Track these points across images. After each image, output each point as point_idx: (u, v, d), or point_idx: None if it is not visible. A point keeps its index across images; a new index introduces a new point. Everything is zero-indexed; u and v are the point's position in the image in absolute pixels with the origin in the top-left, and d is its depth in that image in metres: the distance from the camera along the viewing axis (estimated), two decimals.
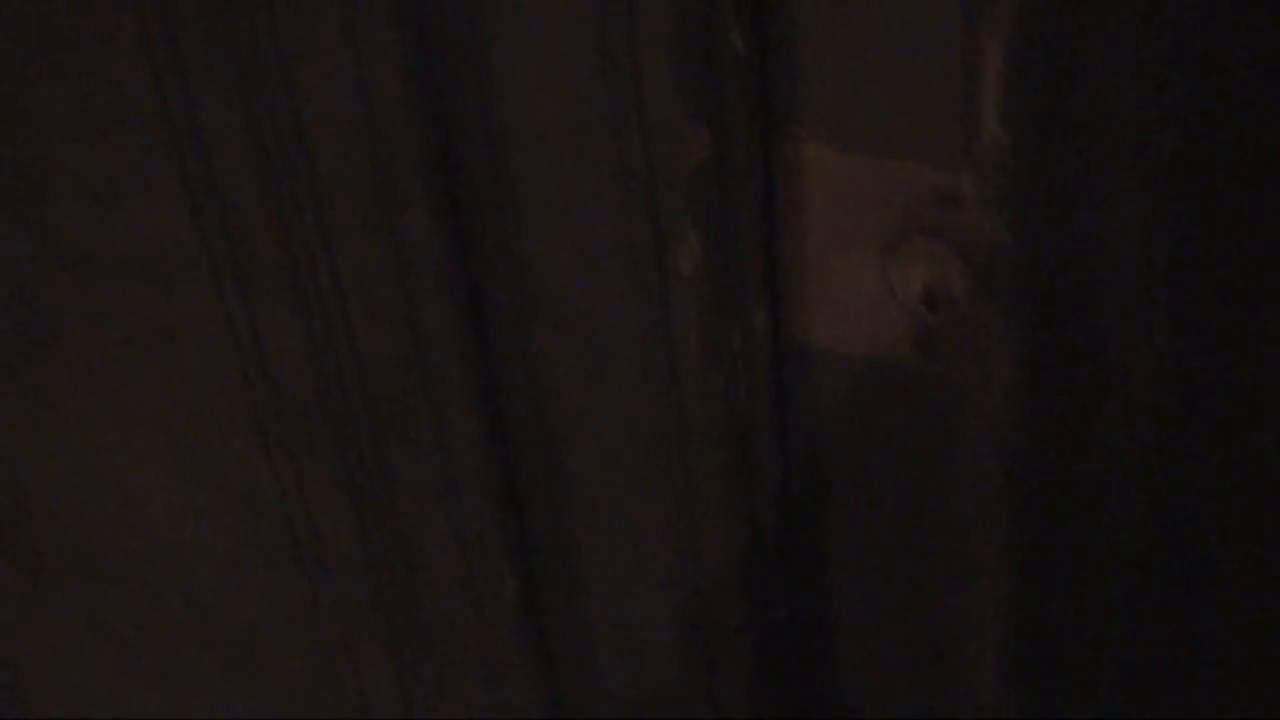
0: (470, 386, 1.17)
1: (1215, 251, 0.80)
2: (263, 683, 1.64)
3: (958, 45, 0.81)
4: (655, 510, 1.11)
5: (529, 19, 0.97)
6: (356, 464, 1.34)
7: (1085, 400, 0.89)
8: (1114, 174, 0.79)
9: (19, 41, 1.28)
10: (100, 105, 1.26)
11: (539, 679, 1.32)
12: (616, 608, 1.22)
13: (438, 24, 1.02)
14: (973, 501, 0.95)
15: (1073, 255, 0.84)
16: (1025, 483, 0.92)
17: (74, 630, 1.82)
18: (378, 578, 1.39)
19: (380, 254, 1.13)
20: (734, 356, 1.00)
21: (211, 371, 1.36)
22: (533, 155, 1.03)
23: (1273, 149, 0.75)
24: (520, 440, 1.18)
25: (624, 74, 0.93)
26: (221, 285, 1.28)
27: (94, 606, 1.77)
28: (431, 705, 1.46)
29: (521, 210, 1.07)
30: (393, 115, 1.06)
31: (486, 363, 1.16)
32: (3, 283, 1.50)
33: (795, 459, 1.04)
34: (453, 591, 1.33)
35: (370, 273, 1.15)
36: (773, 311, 0.99)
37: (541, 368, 1.12)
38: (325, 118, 1.10)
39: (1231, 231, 0.79)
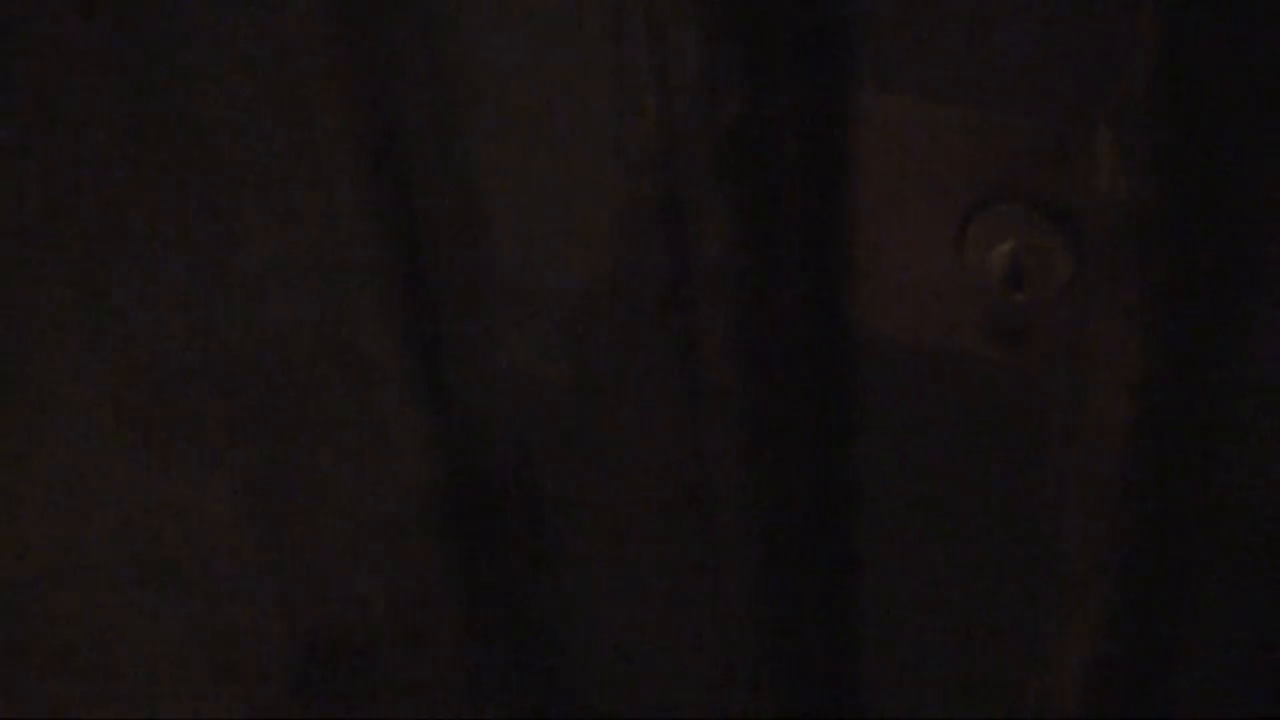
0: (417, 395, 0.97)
1: None
2: None
3: None
4: (668, 541, 0.93)
5: None
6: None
7: (1222, 411, 0.73)
8: None
9: None
10: None
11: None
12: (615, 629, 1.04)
13: None
14: (1071, 533, 0.79)
15: (1225, 229, 0.68)
16: (1136, 509, 0.76)
17: None
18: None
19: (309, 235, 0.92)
20: (767, 354, 0.82)
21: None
22: (495, 106, 0.83)
23: None
24: (501, 458, 0.98)
25: None
26: None
27: None
28: None
29: (484, 185, 0.87)
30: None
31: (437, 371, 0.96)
32: None
33: (843, 474, 0.87)
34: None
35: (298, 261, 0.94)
36: (819, 296, 0.81)
37: (524, 385, 0.92)
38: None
39: None
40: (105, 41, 0.89)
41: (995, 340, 0.79)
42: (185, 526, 1.17)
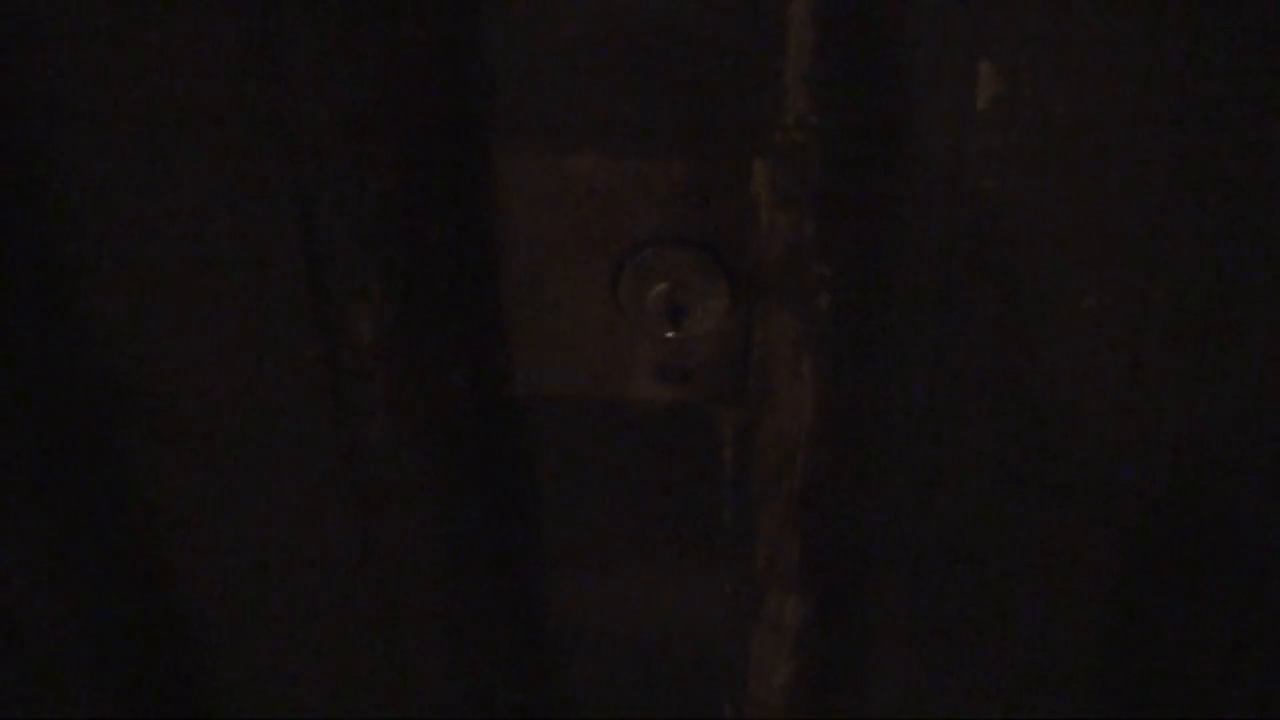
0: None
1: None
2: None
3: (726, 11, 0.64)
4: (351, 627, 0.87)
5: None
6: None
7: (886, 429, 0.77)
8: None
9: None
10: None
11: None
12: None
13: None
14: (758, 558, 0.81)
15: (879, 257, 0.71)
16: (817, 527, 0.79)
17: None
18: None
19: None
20: (433, 426, 0.79)
21: None
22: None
23: None
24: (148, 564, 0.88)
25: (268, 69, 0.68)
26: None
27: None
28: None
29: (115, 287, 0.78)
30: None
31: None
32: None
33: (519, 529, 0.84)
34: None
35: None
36: (483, 362, 0.78)
37: (164, 497, 0.83)
38: None
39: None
40: None
41: (663, 381, 0.80)
42: None
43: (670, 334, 0.77)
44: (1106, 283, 0.70)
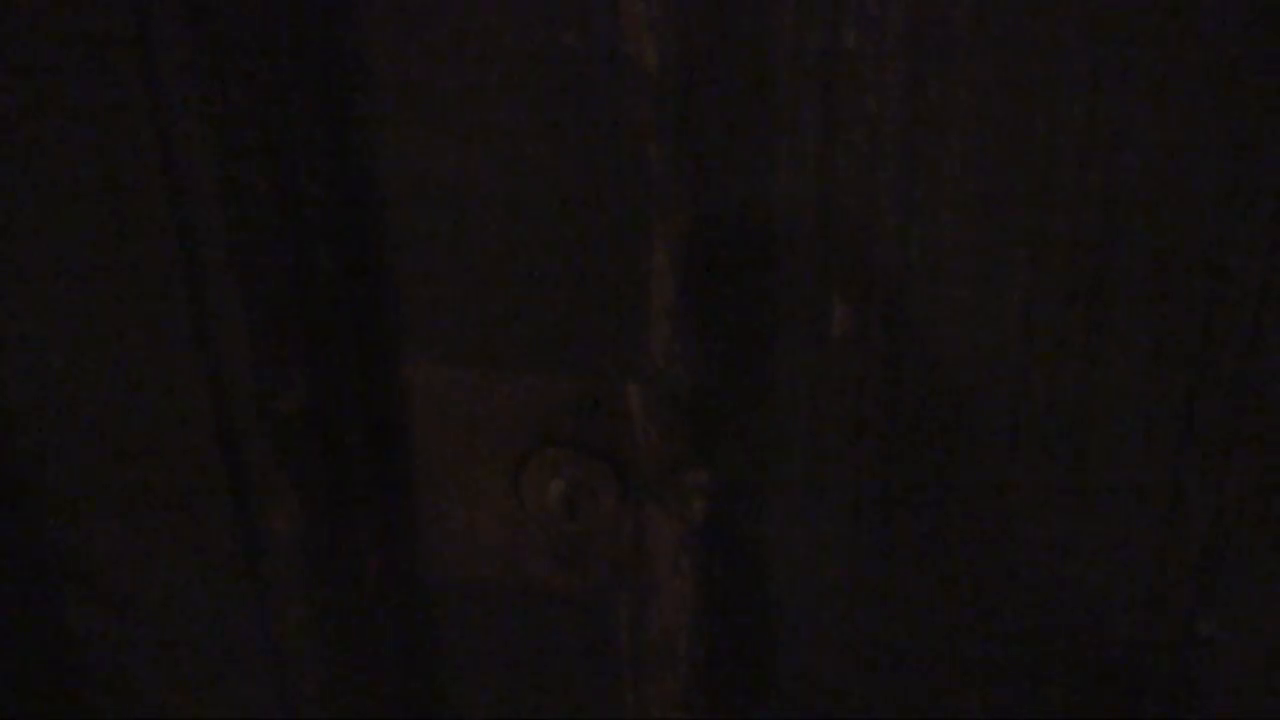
0: None
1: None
2: None
3: (604, 255, 0.72)
4: None
5: None
6: None
7: (774, 605, 0.83)
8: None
9: None
10: None
11: None
12: None
13: None
14: None
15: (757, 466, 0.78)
16: (708, 709, 0.85)
17: None
18: None
19: None
20: (348, 617, 0.85)
21: None
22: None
23: None
24: None
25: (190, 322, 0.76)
26: None
27: None
28: None
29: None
30: None
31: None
32: None
33: (431, 706, 0.90)
34: None
35: None
36: (393, 552, 0.85)
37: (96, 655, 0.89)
38: None
39: None
40: None
41: (558, 569, 0.86)
42: None
43: (567, 526, 0.84)
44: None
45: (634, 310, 0.71)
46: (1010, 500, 0.76)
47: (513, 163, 0.71)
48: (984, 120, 0.65)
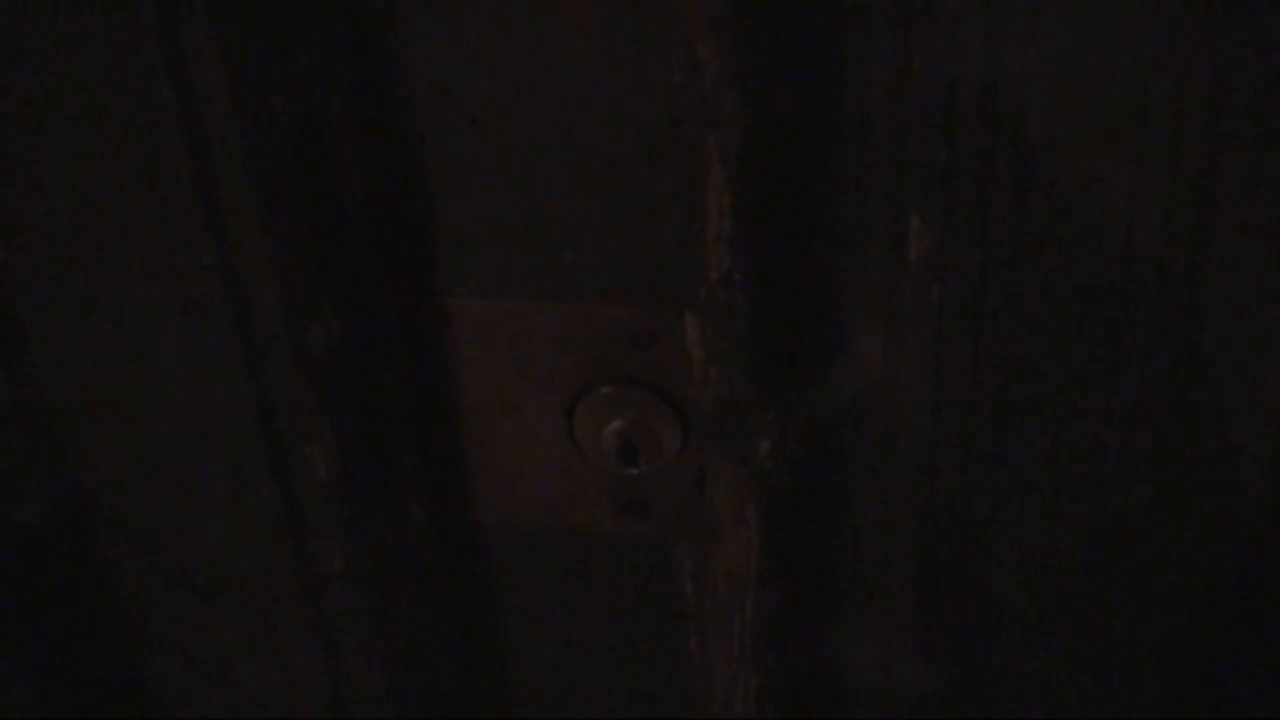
0: None
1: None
2: None
3: (660, 174, 0.66)
4: None
5: None
6: None
7: (835, 569, 0.77)
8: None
9: None
10: None
11: None
12: None
13: None
14: (716, 684, 0.81)
15: (812, 405, 0.71)
16: (771, 658, 0.79)
17: None
18: None
19: None
20: (392, 563, 0.80)
21: None
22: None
23: None
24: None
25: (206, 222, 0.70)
26: None
27: None
28: None
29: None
30: None
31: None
32: None
33: (490, 664, 0.85)
34: None
35: None
36: (439, 497, 0.80)
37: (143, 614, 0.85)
38: None
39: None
40: None
41: (618, 514, 0.80)
42: None
43: (627, 470, 0.78)
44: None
45: (690, 232, 0.65)
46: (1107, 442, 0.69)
47: (555, 75, 0.65)
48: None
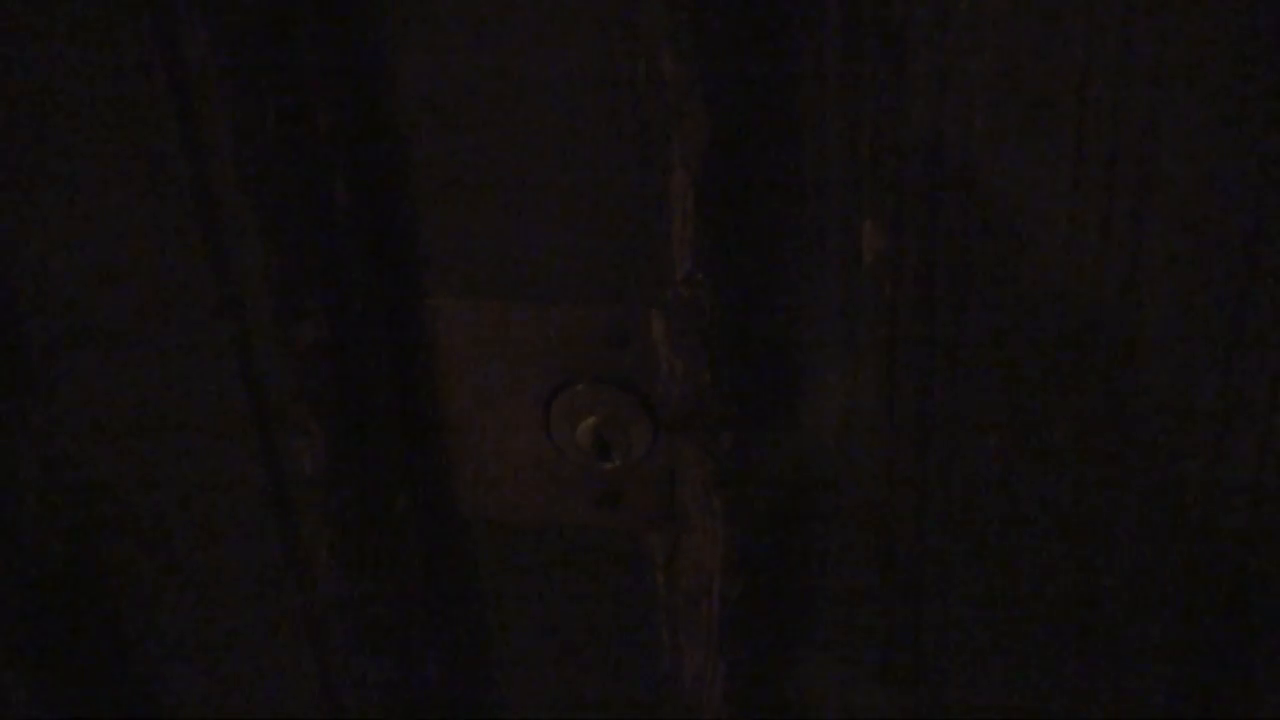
0: None
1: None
2: None
3: (628, 179, 0.70)
4: None
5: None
6: None
7: (802, 547, 0.80)
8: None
9: None
10: None
11: None
12: None
13: None
14: (687, 669, 0.84)
15: (777, 399, 0.75)
16: (739, 640, 0.83)
17: None
18: None
19: None
20: (379, 557, 0.84)
21: None
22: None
23: None
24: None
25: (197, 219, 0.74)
26: None
27: None
28: None
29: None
30: None
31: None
32: None
33: (472, 656, 0.89)
34: None
35: None
36: (422, 491, 0.83)
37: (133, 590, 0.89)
38: None
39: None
40: None
41: (593, 507, 0.84)
42: None
43: (600, 465, 0.82)
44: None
45: (656, 234, 0.69)
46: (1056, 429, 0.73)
47: (531, 85, 0.69)
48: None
